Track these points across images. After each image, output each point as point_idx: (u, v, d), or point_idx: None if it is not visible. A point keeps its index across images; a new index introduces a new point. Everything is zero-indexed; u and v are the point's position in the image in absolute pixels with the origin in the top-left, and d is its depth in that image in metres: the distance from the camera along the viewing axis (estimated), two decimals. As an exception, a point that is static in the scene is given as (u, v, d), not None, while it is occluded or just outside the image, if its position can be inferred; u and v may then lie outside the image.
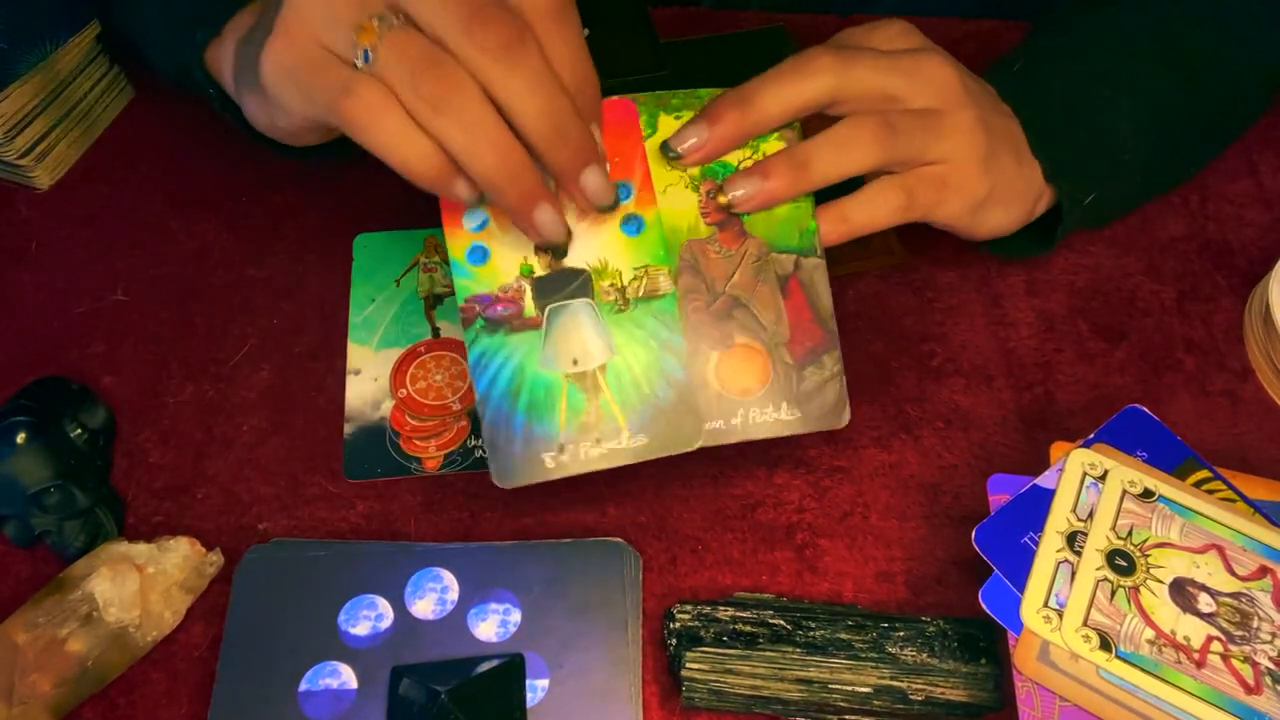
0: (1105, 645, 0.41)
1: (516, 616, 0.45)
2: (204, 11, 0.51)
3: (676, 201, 0.46)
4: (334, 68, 0.40)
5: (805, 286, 0.47)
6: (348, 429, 0.51)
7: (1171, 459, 0.47)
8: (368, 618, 0.46)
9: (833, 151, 0.46)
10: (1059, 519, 0.44)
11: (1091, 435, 0.47)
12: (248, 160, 0.62)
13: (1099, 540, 0.43)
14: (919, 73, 0.48)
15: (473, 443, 0.51)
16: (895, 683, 0.43)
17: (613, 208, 0.44)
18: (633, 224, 0.45)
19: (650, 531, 0.49)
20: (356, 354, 0.53)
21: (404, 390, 0.52)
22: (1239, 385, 0.54)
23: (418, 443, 0.51)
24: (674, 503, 0.50)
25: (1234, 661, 0.41)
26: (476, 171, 0.39)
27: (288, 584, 0.46)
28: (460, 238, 0.44)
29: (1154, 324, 0.56)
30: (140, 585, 0.45)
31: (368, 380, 0.53)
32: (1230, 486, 0.46)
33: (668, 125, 0.47)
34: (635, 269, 0.45)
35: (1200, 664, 0.40)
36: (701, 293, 0.46)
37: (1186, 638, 0.41)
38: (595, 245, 0.45)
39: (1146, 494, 0.44)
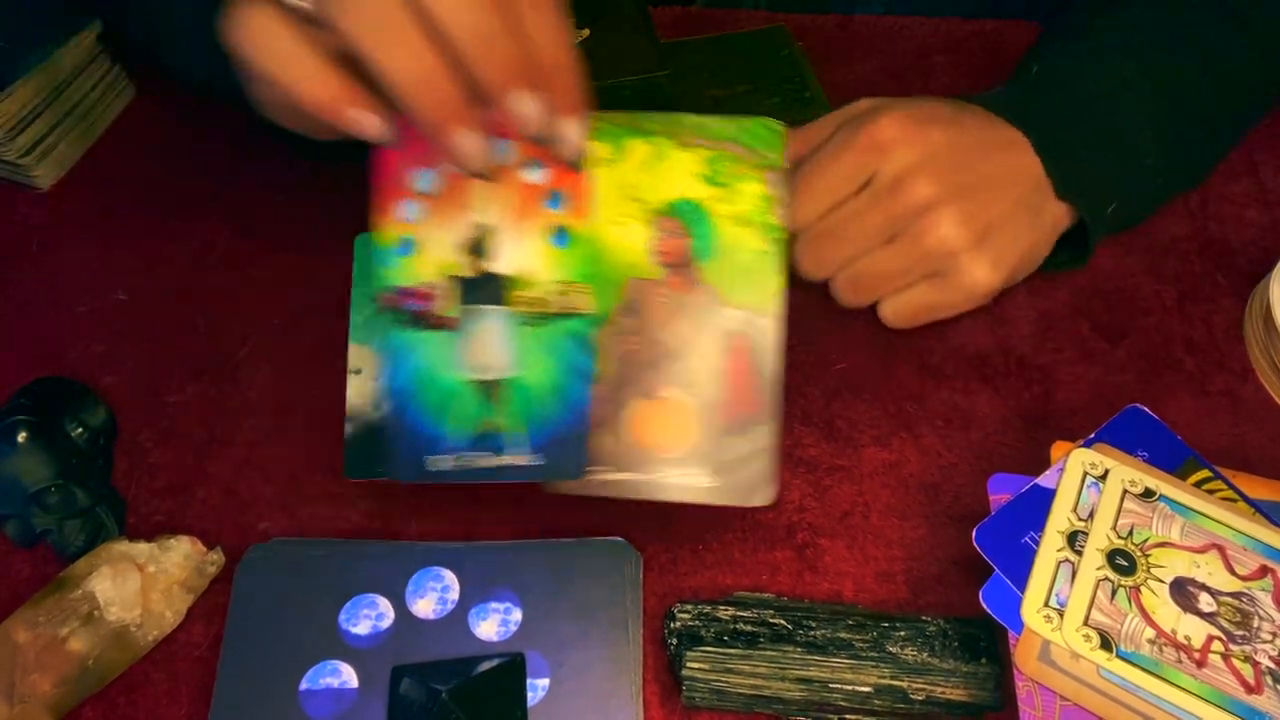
0: (1106, 645, 0.41)
1: (517, 616, 0.45)
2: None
3: (628, 235, 0.44)
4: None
5: (752, 349, 0.44)
6: (348, 428, 0.51)
7: (1172, 459, 0.47)
8: (368, 617, 0.46)
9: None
10: (1060, 518, 0.44)
11: (1092, 435, 0.47)
12: (248, 160, 0.62)
13: (1100, 540, 0.43)
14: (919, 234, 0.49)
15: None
16: (896, 682, 0.43)
17: (544, 143, 0.41)
18: (562, 236, 0.43)
19: (650, 531, 0.49)
20: (357, 353, 0.53)
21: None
22: (1239, 385, 0.54)
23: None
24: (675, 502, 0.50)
25: (1235, 661, 0.41)
26: (385, 71, 0.36)
27: (288, 583, 0.46)
28: (391, 228, 0.43)
29: (1154, 324, 0.56)
30: (141, 584, 0.45)
31: (368, 380, 0.53)
32: (1231, 486, 0.46)
33: (635, 149, 0.44)
34: (557, 284, 0.43)
35: (1201, 663, 0.40)
36: (636, 334, 0.44)
37: (1187, 637, 0.41)
38: (520, 253, 0.43)
39: (1147, 494, 0.44)
